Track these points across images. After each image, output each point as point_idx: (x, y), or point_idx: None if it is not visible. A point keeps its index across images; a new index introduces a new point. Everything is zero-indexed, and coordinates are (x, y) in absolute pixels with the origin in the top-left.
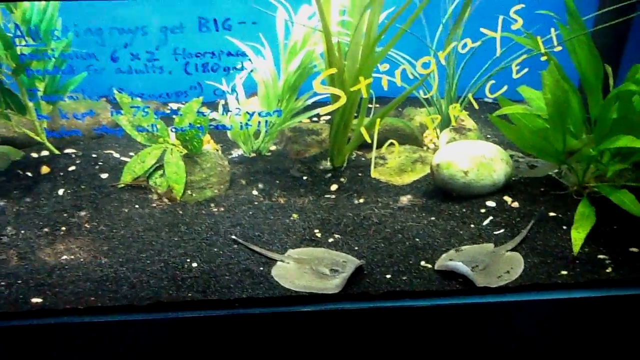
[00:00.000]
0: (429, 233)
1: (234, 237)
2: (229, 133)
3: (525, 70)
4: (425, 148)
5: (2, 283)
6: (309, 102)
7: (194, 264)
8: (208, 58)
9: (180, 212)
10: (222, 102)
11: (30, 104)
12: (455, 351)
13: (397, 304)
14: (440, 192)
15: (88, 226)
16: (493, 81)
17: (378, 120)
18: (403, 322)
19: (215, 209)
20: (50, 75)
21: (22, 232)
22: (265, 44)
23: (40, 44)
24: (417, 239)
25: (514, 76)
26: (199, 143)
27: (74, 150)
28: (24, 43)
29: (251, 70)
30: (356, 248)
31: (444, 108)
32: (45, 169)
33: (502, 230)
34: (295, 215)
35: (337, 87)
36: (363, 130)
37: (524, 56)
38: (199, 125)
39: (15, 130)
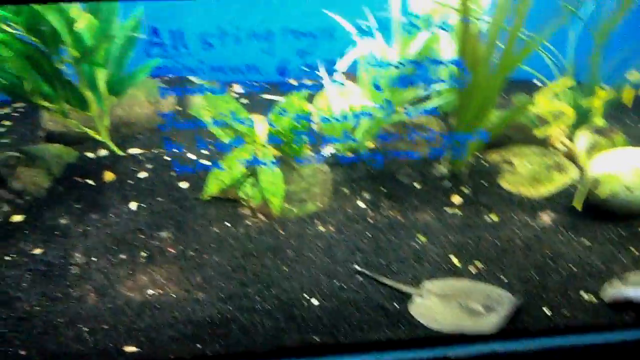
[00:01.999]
0: (585, 259)
1: (357, 267)
2: (315, 126)
3: None
4: (551, 149)
5: (85, 328)
6: (424, 93)
7: (315, 301)
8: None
9: (282, 231)
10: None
11: (91, 98)
12: None
13: (563, 342)
14: (590, 208)
15: (173, 251)
16: None
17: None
18: None
19: (323, 228)
20: (114, 62)
21: (94, 259)
22: (373, 22)
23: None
24: (572, 266)
25: None
26: (299, 147)
27: (140, 151)
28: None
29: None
30: (503, 278)
31: (574, 96)
32: (109, 176)
33: None
34: (422, 237)
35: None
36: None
37: None
38: (298, 129)
39: (65, 125)
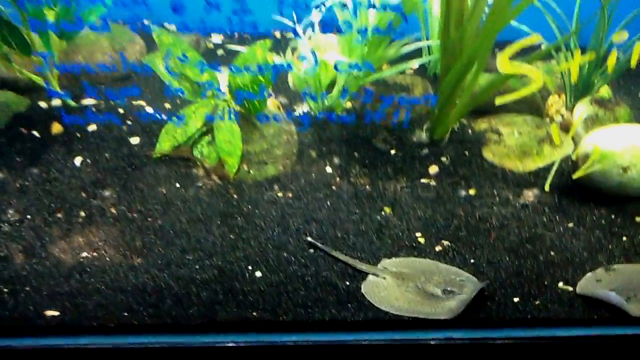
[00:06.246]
0: (567, 245)
1: (309, 239)
2: (290, 82)
3: None
4: (547, 119)
5: (5, 289)
6: (405, 49)
7: (258, 273)
8: None
9: (235, 195)
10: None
11: (36, 40)
12: None
13: (529, 334)
14: (579, 187)
15: (114, 211)
16: None
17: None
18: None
19: (281, 194)
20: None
21: (29, 217)
22: None
23: None
24: (552, 252)
25: None
26: (261, 103)
27: (94, 102)
28: None
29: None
30: (472, 261)
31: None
32: (57, 128)
33: None
34: (387, 210)
35: (453, 34)
36: None
37: None
38: (261, 83)
39: (19, 70)
